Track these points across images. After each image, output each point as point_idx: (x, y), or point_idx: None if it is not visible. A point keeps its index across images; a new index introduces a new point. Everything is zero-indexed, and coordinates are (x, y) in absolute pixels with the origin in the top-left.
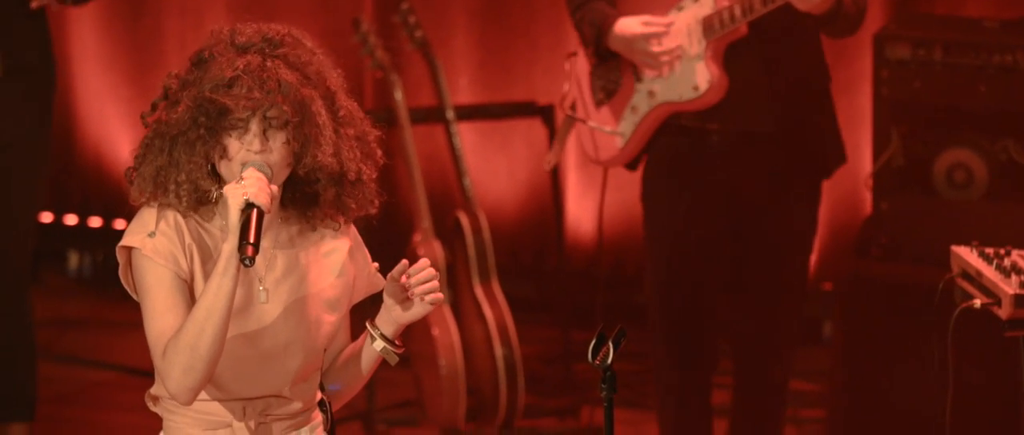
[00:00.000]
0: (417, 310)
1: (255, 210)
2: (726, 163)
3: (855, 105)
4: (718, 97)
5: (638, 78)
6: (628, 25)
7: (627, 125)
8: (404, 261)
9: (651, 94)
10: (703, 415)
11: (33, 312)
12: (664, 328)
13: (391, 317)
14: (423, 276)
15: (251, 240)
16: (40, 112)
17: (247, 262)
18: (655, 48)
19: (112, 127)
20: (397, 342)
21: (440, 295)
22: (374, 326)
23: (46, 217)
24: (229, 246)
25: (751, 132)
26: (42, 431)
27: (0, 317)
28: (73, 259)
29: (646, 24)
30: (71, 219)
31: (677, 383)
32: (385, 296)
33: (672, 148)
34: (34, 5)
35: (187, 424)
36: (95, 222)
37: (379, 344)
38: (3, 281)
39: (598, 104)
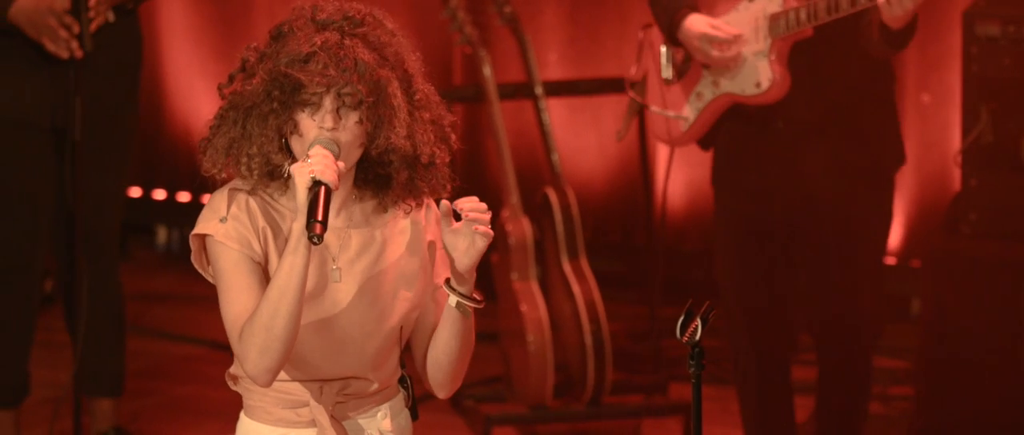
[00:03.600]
0: (472, 252)
1: (322, 187)
2: (792, 150)
3: (944, 82)
4: (779, 95)
5: (705, 64)
6: (696, 23)
7: (691, 110)
8: (445, 202)
9: (715, 83)
10: (781, 392)
11: (122, 287)
12: (738, 310)
13: (455, 267)
14: (473, 206)
15: (318, 217)
16: (127, 87)
17: (315, 239)
18: (715, 53)
19: (200, 102)
20: (475, 295)
21: (489, 230)
22: (448, 284)
23: (135, 192)
24: (298, 225)
25: (815, 122)
26: (130, 405)
27: (90, 292)
28: (161, 234)
29: (713, 27)
30: (160, 194)
31: (755, 364)
32: (444, 246)
33: (739, 133)
34: None
35: (267, 403)
36: (183, 197)
37: (453, 299)
38: (92, 256)
39: (667, 83)
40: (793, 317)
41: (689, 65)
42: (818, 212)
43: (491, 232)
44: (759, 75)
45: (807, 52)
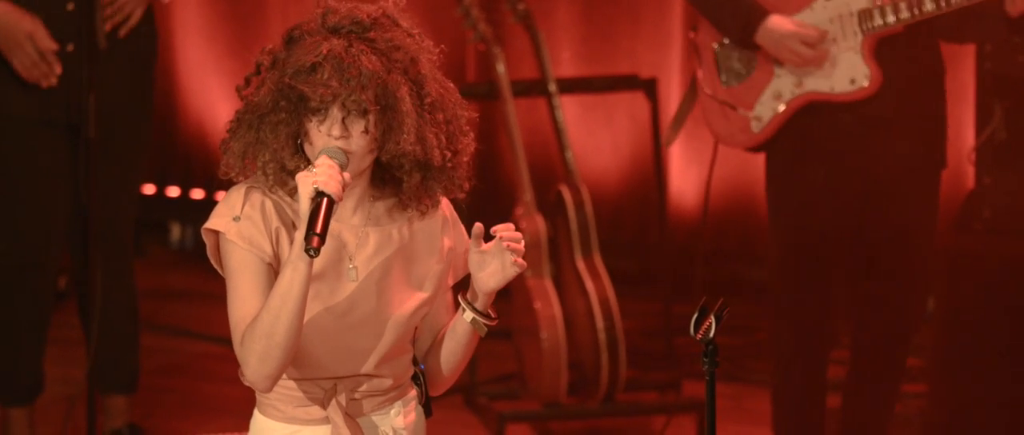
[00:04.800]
0: (499, 277)
1: (325, 199)
2: (854, 145)
3: (958, 79)
4: (872, 91)
5: (779, 63)
6: (782, 23)
7: (765, 110)
8: (478, 225)
9: (799, 83)
10: (818, 392)
11: (136, 284)
12: (785, 305)
13: (476, 287)
14: (511, 235)
15: (317, 230)
16: (142, 84)
17: (311, 252)
18: (808, 51)
19: (214, 99)
20: (491, 313)
21: (523, 262)
22: (465, 299)
23: (149, 189)
24: (300, 234)
25: (877, 116)
26: (144, 402)
27: (104, 289)
28: (175, 231)
29: (799, 25)
30: (173, 191)
31: (796, 359)
32: (469, 265)
33: (803, 128)
34: None
35: (280, 400)
36: (197, 194)
37: (469, 315)
38: (107, 253)
39: (726, 85)
40: (837, 313)
41: (753, 66)
42: (873, 208)
43: (525, 264)
44: (854, 72)
45: (878, 46)
